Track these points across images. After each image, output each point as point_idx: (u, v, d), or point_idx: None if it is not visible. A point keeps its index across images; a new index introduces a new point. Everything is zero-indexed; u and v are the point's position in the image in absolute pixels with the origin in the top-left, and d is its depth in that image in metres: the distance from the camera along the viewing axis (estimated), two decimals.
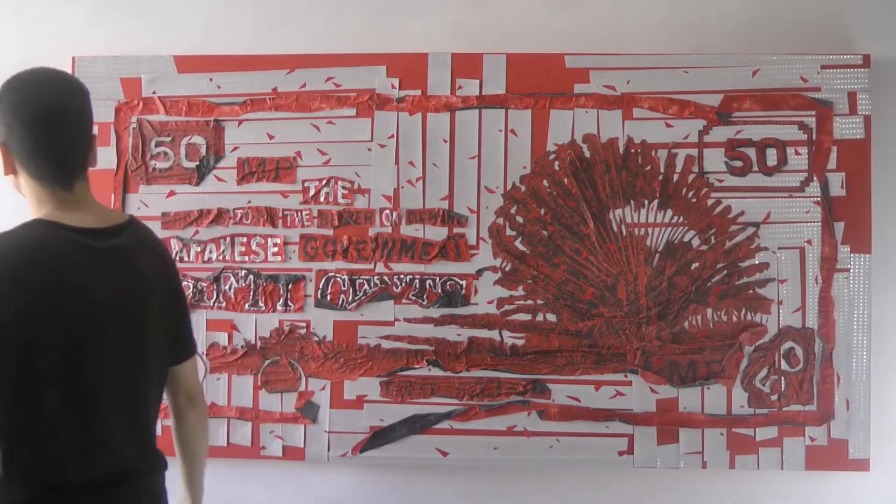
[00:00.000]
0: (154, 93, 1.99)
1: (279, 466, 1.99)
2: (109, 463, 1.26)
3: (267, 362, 1.96)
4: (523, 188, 1.93)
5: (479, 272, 1.93)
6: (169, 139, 1.98)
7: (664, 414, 1.91)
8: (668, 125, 1.92)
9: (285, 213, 1.96)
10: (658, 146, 1.92)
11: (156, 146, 1.99)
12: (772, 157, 1.92)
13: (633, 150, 1.92)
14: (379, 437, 1.93)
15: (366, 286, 1.94)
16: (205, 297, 1.96)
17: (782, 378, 1.90)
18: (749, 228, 1.91)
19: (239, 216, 1.97)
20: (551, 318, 1.92)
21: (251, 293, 1.96)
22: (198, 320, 1.93)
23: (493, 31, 1.99)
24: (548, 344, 1.92)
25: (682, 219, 1.92)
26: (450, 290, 1.93)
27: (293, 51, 1.97)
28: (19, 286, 1.17)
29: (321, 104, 1.96)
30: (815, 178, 1.91)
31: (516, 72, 1.93)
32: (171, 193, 1.98)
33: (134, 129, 1.99)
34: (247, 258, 1.96)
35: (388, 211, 1.95)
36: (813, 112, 1.91)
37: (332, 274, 1.95)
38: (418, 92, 1.95)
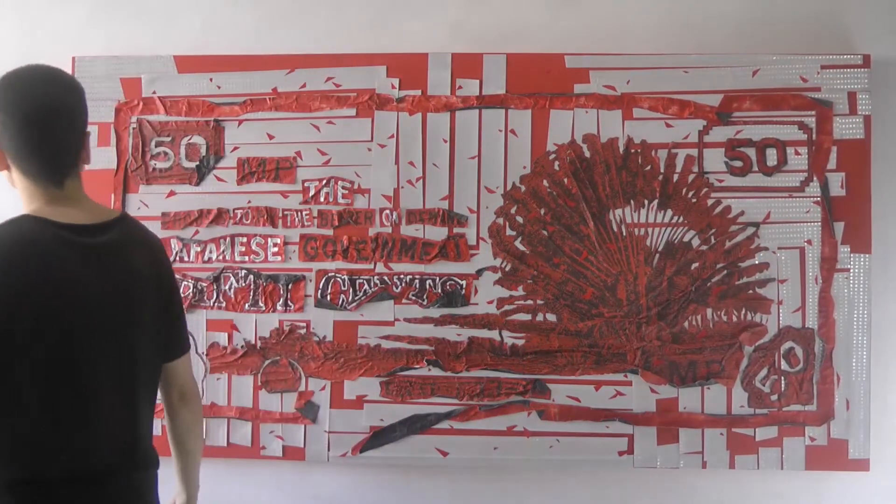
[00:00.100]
0: (154, 93, 1.99)
1: (279, 466, 1.99)
2: (91, 459, 1.25)
3: (267, 362, 1.96)
4: (523, 188, 1.93)
5: (479, 272, 1.93)
6: (169, 139, 1.98)
7: (664, 414, 1.91)
8: (668, 125, 1.92)
9: (285, 213, 1.96)
10: (658, 146, 1.92)
11: (156, 146, 1.99)
12: (772, 157, 1.91)
13: (633, 150, 1.92)
14: (379, 437, 1.93)
15: (366, 286, 1.94)
16: (205, 297, 1.96)
17: (782, 378, 1.90)
18: (749, 228, 1.91)
19: (239, 216, 1.97)
20: (551, 318, 1.92)
21: (251, 293, 1.96)
22: (198, 320, 1.94)
23: (493, 31, 1.99)
24: (548, 344, 1.92)
25: (682, 219, 1.92)
26: (450, 290, 1.93)
27: (293, 51, 1.97)
28: (5, 280, 1.16)
29: (321, 104, 1.96)
30: (814, 178, 1.91)
31: (516, 72, 1.93)
32: (171, 193, 1.98)
33: (134, 129, 1.99)
34: (247, 258, 1.96)
35: (388, 211, 1.95)
36: (813, 112, 1.91)
37: (332, 274, 1.95)
38: (418, 92, 1.95)
